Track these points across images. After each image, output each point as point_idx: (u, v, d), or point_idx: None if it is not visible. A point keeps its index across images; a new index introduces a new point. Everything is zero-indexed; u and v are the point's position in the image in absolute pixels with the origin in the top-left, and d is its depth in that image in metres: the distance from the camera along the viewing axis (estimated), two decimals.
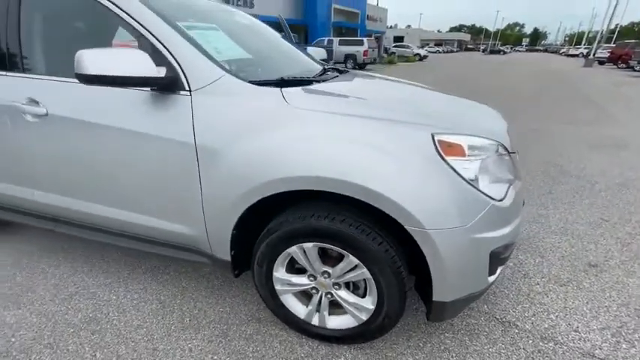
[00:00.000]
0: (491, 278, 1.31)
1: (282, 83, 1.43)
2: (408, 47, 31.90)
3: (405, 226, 1.13)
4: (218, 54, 1.39)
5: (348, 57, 18.25)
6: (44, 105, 1.46)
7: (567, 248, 2.24)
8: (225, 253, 1.46)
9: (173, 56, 1.31)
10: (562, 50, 61.35)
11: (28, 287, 1.86)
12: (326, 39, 19.18)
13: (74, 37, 1.54)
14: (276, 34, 2.24)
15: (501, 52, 57.74)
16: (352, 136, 1.17)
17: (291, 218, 1.28)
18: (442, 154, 1.14)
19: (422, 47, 45.46)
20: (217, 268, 1.62)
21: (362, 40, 18.49)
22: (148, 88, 1.33)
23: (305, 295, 1.50)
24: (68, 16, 1.54)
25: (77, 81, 1.39)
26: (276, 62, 1.83)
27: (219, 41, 1.51)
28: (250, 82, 1.32)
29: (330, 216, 1.22)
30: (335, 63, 15.09)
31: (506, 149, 1.31)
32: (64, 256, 2.15)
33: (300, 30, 22.49)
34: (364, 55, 17.98)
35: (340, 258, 1.31)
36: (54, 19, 1.56)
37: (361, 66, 18.43)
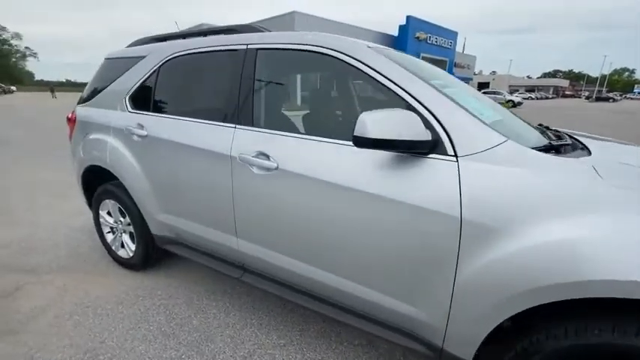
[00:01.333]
0: None
1: (552, 149, 1.19)
2: (499, 93, 30.20)
3: None
4: (481, 115, 1.22)
5: None
6: (275, 159, 1.45)
7: None
8: (465, 351, 1.17)
9: (436, 118, 1.17)
10: None
11: (207, 335, 1.82)
12: None
13: (311, 95, 1.55)
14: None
15: (610, 100, 50.84)
16: None
17: (597, 330, 0.95)
18: None
19: (511, 93, 42.76)
20: None
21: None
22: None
23: None
24: (303, 76, 1.57)
25: (309, 138, 1.37)
26: (510, 122, 1.62)
27: (469, 101, 1.36)
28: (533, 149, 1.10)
29: None
30: None
31: None
32: (230, 301, 2.12)
33: None
34: None
35: None
36: (287, 79, 1.61)
37: None
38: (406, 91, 1.23)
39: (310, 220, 1.39)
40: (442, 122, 1.16)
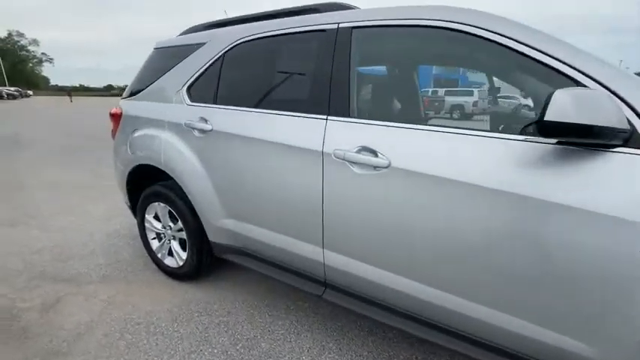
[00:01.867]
0: None
1: None
2: (512, 97, 29.71)
3: None
4: None
5: (454, 107, 17.53)
6: (385, 156, 1.21)
7: None
8: None
9: (626, 102, 0.92)
10: None
11: None
12: (430, 90, 18.90)
13: (427, 78, 1.30)
14: None
15: None
16: None
17: None
18: None
19: (525, 98, 42.09)
20: None
21: (472, 91, 17.69)
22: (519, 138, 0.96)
23: None
24: (414, 57, 1.33)
25: (432, 129, 1.12)
26: None
27: None
28: None
29: None
30: (444, 113, 14.55)
31: None
32: (296, 319, 1.86)
33: None
34: (474, 106, 17.05)
35: None
36: (392, 61, 1.37)
37: (468, 116, 17.45)
38: (581, 72, 0.98)
39: (438, 230, 1.13)
40: (636, 108, 0.91)
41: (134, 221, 3.15)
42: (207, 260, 2.02)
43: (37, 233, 2.88)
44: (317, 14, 1.53)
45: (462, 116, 17.24)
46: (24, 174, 4.88)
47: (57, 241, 2.76)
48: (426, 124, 1.18)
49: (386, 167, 1.20)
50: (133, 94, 2.24)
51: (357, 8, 1.52)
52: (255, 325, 1.81)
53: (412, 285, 1.24)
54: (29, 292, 2.06)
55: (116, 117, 2.28)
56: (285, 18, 1.63)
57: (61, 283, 2.16)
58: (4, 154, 6.41)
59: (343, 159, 1.28)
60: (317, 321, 1.85)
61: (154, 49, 2.22)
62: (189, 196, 1.83)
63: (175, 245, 2.13)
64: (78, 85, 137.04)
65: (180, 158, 1.82)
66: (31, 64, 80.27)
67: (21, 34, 73.89)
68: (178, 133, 1.84)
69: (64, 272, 2.29)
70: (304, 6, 1.64)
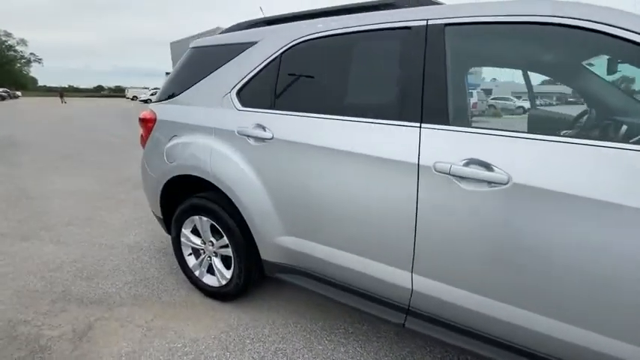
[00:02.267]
0: None
1: None
2: (507, 99, 29.94)
3: None
4: None
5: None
6: (504, 170, 1.05)
7: None
8: None
9: None
10: None
11: None
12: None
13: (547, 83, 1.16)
14: None
15: None
16: None
17: None
18: None
19: (518, 99, 42.54)
20: None
21: (471, 93, 17.80)
22: None
23: None
24: (526, 58, 1.18)
25: (552, 139, 0.97)
26: None
27: None
28: None
29: None
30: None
31: None
32: (359, 345, 1.69)
33: None
34: (473, 107, 17.13)
35: None
36: (498, 63, 1.22)
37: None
38: None
39: (571, 255, 0.98)
40: None
41: (154, 232, 2.98)
42: (255, 279, 1.85)
43: (52, 248, 2.66)
44: (396, 10, 1.38)
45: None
46: (28, 181, 4.61)
47: (75, 256, 2.54)
48: (550, 134, 1.03)
49: (505, 183, 1.05)
50: (167, 97, 2.05)
51: (442, 4, 1.36)
52: (315, 352, 1.64)
53: (529, 317, 1.09)
54: (55, 317, 1.86)
55: (147, 122, 2.09)
56: (357, 14, 1.47)
57: (90, 306, 1.96)
58: (3, 159, 6.11)
59: (448, 173, 1.13)
60: (382, 347, 1.69)
61: (192, 48, 2.03)
62: (241, 211, 1.66)
63: (217, 262, 1.94)
64: (67, 86, 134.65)
65: (232, 169, 1.64)
66: (19, 65, 78.54)
67: (9, 34, 72.32)
68: (229, 141, 1.66)
69: (90, 292, 2.09)
70: (378, 1, 1.48)
